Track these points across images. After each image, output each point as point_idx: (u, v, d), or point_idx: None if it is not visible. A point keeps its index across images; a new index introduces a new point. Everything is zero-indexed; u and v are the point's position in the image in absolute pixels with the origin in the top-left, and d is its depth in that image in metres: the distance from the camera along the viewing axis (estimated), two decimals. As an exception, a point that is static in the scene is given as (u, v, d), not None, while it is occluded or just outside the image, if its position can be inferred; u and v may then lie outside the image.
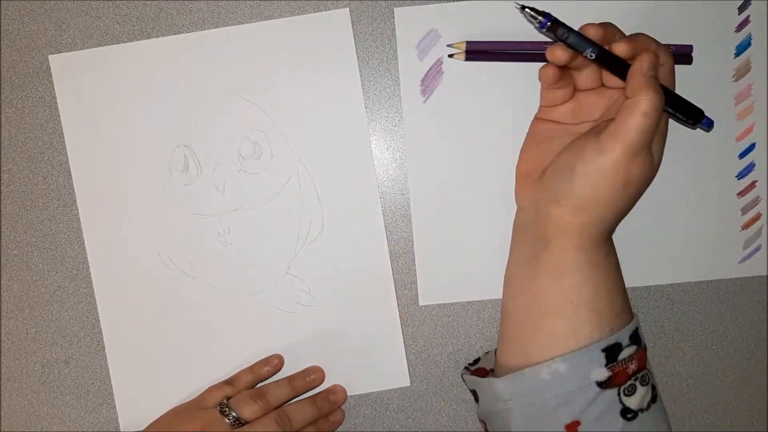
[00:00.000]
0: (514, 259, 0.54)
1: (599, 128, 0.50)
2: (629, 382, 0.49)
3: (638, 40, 0.49)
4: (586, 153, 0.48)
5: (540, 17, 0.48)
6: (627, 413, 0.49)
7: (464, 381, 0.57)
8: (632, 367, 0.49)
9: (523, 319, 0.52)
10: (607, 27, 0.49)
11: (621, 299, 0.51)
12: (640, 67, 0.47)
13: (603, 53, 0.49)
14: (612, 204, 0.49)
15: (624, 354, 0.49)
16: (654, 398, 0.50)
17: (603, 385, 0.48)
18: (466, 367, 0.58)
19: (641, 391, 0.49)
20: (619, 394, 0.49)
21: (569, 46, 0.48)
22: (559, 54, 0.49)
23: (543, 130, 0.55)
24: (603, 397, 0.48)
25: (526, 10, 0.49)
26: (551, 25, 0.48)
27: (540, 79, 0.52)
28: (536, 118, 0.56)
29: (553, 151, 0.52)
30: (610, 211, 0.49)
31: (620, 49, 0.48)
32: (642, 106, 0.46)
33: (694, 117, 0.52)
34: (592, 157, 0.48)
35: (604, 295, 0.50)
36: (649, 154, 0.49)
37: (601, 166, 0.47)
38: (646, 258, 0.60)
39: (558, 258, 0.50)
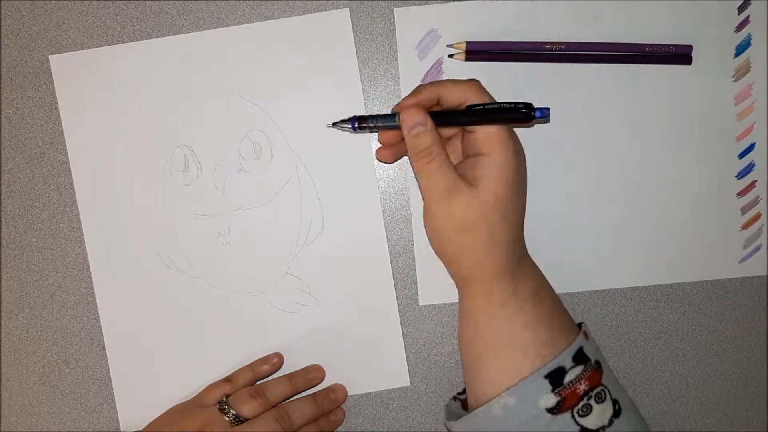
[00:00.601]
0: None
1: None
2: (582, 403, 0.49)
3: (419, 96, 0.52)
4: (423, 217, 0.52)
5: (348, 123, 0.54)
6: None
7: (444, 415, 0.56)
8: (582, 387, 0.49)
9: (469, 361, 0.52)
10: (410, 98, 0.52)
11: (548, 324, 0.50)
12: (404, 133, 0.51)
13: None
14: (466, 250, 0.50)
15: (570, 376, 0.49)
16: (617, 412, 0.49)
17: (554, 410, 0.48)
18: (454, 396, 0.58)
19: (598, 408, 0.49)
20: (573, 416, 0.48)
21: (386, 127, 0.53)
22: (382, 139, 0.54)
23: None
24: (557, 422, 0.48)
25: (337, 125, 0.55)
26: (359, 123, 0.53)
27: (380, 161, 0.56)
28: None
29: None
30: (475, 256, 0.50)
31: (399, 107, 0.52)
32: (415, 166, 0.50)
33: (517, 115, 0.49)
34: (424, 220, 0.51)
35: (521, 327, 0.50)
36: (463, 193, 0.49)
37: (432, 226, 0.51)
38: (646, 258, 0.60)
39: (467, 305, 0.52)
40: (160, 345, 0.60)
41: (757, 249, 0.60)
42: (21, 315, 0.60)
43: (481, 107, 0.50)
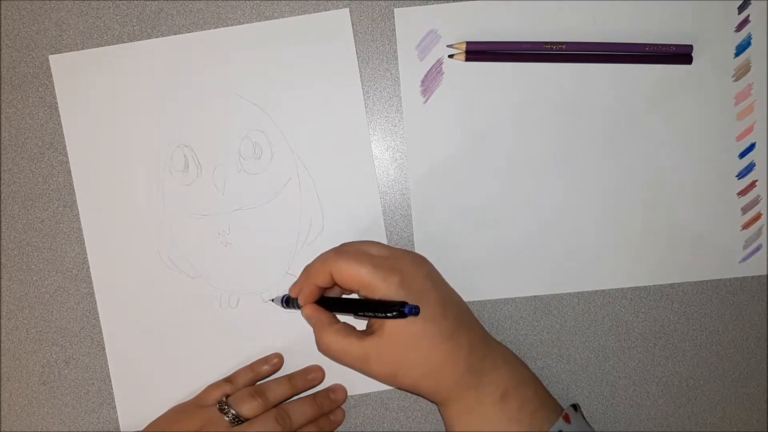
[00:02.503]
0: None
1: None
2: None
3: (303, 290, 0.55)
4: None
5: (279, 302, 0.59)
6: None
7: None
8: None
9: None
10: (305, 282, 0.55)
11: (518, 425, 0.51)
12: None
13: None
14: (411, 385, 0.52)
15: None
16: None
17: None
18: None
19: None
20: None
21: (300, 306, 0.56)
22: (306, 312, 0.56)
23: None
24: None
25: (270, 301, 0.60)
26: (285, 301, 0.58)
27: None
28: None
29: None
30: (422, 385, 0.52)
31: (293, 293, 0.56)
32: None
33: (386, 310, 0.51)
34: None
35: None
36: (368, 354, 0.52)
37: (379, 379, 0.53)
38: (646, 258, 0.60)
39: (442, 413, 0.54)
40: (160, 345, 0.60)
41: (758, 249, 0.60)
42: (21, 315, 0.60)
43: (360, 302, 0.52)
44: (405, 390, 0.57)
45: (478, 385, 0.52)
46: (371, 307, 0.50)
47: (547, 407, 0.53)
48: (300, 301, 0.55)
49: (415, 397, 0.60)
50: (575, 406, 0.54)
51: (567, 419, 0.52)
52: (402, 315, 0.48)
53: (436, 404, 0.54)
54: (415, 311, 0.48)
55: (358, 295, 0.53)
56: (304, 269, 0.54)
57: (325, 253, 0.53)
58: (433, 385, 0.52)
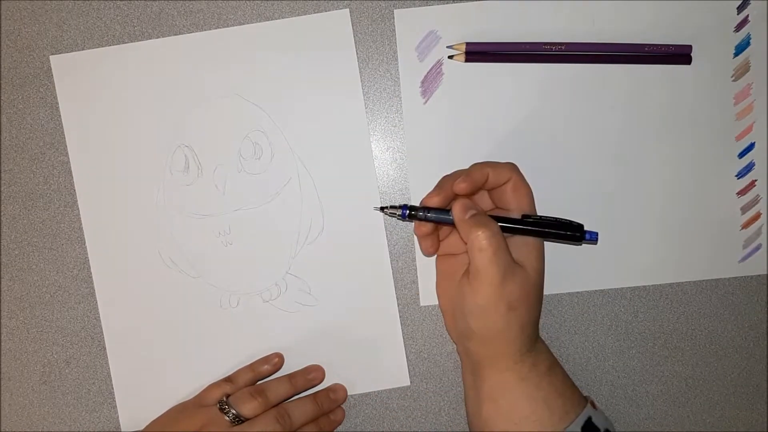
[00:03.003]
0: (466, 387, 0.56)
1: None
2: None
3: (471, 174, 0.53)
4: (466, 296, 0.51)
5: (399, 211, 0.54)
6: None
7: None
8: None
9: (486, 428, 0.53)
10: (461, 181, 0.52)
11: (563, 399, 0.52)
12: (456, 217, 0.51)
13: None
14: (508, 327, 0.51)
15: None
16: None
17: None
18: None
19: None
20: None
21: (431, 220, 0.54)
22: (423, 230, 0.54)
23: (445, 267, 0.57)
24: None
25: (385, 210, 0.55)
26: (410, 213, 0.54)
27: (416, 235, 0.56)
28: (437, 256, 0.58)
29: (459, 284, 0.53)
30: (511, 333, 0.51)
31: (460, 189, 0.52)
32: (475, 244, 0.49)
33: (568, 231, 0.52)
34: (471, 299, 0.51)
35: (541, 404, 0.51)
36: (517, 272, 0.50)
37: (480, 305, 0.50)
38: (646, 258, 0.60)
39: (489, 383, 0.53)
40: (160, 345, 0.60)
41: (757, 248, 0.60)
42: (21, 315, 0.61)
43: (537, 219, 0.53)
44: (478, 334, 0.52)
45: (536, 352, 0.53)
46: (552, 225, 0.52)
47: (577, 389, 0.54)
48: (442, 199, 0.52)
49: (414, 397, 0.60)
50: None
51: (594, 406, 0.53)
52: (579, 239, 0.51)
53: (485, 372, 0.53)
54: (594, 237, 0.51)
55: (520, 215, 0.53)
56: (460, 171, 0.53)
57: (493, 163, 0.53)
58: (518, 338, 0.51)
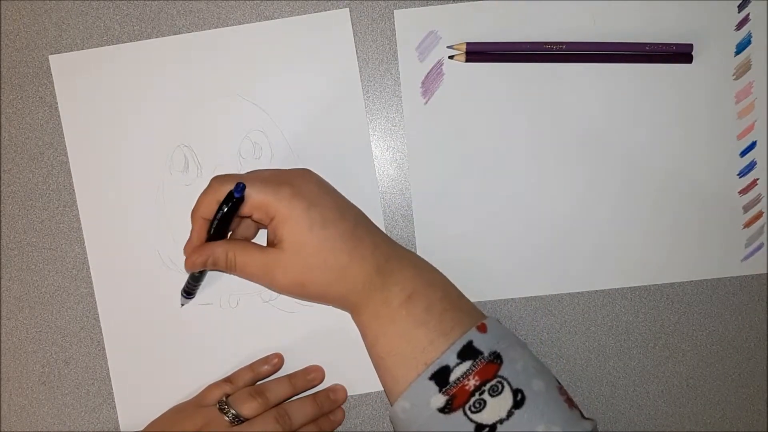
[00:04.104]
0: None
1: None
2: (474, 399, 0.48)
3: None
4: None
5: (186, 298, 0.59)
6: (481, 429, 0.48)
7: None
8: (472, 383, 0.48)
9: (373, 365, 0.54)
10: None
11: (424, 329, 0.50)
12: (195, 266, 0.54)
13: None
14: (322, 293, 0.52)
15: (456, 374, 0.48)
16: (518, 403, 0.48)
17: (445, 410, 0.48)
18: None
19: (493, 402, 0.48)
20: (465, 413, 0.48)
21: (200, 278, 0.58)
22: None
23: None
24: (450, 421, 0.48)
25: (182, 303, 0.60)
26: (186, 296, 0.59)
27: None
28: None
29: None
30: (331, 293, 0.52)
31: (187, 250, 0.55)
32: (220, 261, 0.53)
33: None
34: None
35: (398, 338, 0.51)
36: (272, 260, 0.51)
37: (286, 294, 0.55)
38: (646, 257, 0.60)
39: (356, 323, 0.54)
40: (160, 345, 0.60)
41: (760, 247, 0.60)
42: (21, 315, 0.61)
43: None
44: (316, 301, 0.56)
45: (385, 286, 0.51)
46: (217, 216, 0.51)
47: (459, 311, 0.52)
48: (190, 247, 0.54)
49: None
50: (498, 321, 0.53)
51: (482, 329, 0.50)
52: (237, 199, 0.50)
53: (350, 313, 0.54)
54: (241, 187, 0.49)
55: (252, 219, 0.53)
56: (191, 213, 0.53)
57: (209, 185, 0.53)
58: (342, 289, 0.51)
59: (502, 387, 0.49)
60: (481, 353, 0.49)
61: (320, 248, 0.50)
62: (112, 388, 0.60)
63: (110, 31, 0.60)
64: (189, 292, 0.58)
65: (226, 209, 0.51)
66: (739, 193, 0.60)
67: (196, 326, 0.60)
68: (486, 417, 0.48)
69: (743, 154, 0.60)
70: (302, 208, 0.50)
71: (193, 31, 0.60)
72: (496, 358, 0.49)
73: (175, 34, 0.60)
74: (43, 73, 0.60)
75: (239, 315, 0.60)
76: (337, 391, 0.59)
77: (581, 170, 0.60)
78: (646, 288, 0.60)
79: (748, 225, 0.60)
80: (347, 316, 0.59)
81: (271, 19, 0.59)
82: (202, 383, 0.59)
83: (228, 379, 0.58)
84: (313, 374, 0.59)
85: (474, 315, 0.52)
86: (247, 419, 0.54)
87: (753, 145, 0.59)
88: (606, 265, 0.60)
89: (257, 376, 0.59)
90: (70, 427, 0.61)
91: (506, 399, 0.48)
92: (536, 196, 0.60)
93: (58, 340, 0.61)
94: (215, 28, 0.60)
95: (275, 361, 0.59)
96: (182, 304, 0.60)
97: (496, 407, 0.48)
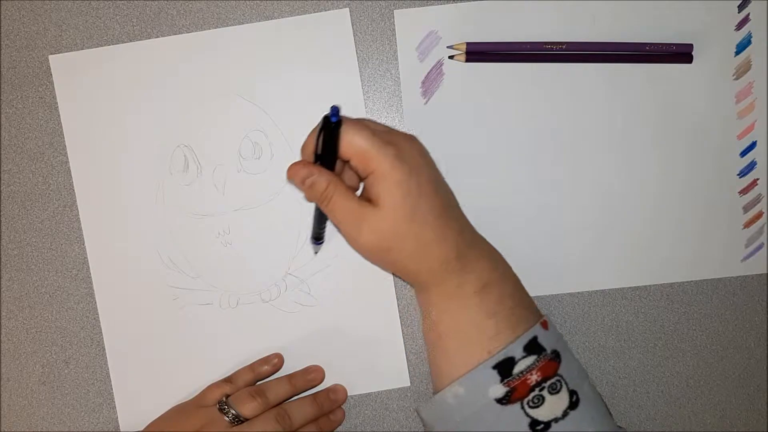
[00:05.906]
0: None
1: None
2: (533, 394, 0.48)
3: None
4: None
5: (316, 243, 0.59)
6: (536, 425, 0.48)
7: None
8: (534, 378, 0.48)
9: (428, 351, 0.53)
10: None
11: (494, 319, 0.50)
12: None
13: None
14: (399, 263, 0.51)
15: (520, 367, 0.48)
16: (574, 404, 0.49)
17: (503, 401, 0.48)
18: None
19: (551, 400, 0.48)
20: (523, 407, 0.48)
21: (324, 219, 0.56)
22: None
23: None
24: (506, 413, 0.48)
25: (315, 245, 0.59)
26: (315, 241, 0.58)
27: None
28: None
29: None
30: (409, 265, 0.51)
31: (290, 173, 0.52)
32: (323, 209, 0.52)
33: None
34: (355, 249, 0.52)
35: (465, 323, 0.50)
36: (366, 215, 0.50)
37: (361, 252, 0.52)
38: (647, 257, 0.60)
39: (420, 299, 0.53)
40: (160, 345, 0.60)
41: (760, 247, 0.60)
42: (21, 315, 0.61)
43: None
44: (388, 268, 0.56)
45: (462, 272, 0.50)
46: (318, 142, 0.50)
47: (526, 308, 0.52)
48: (296, 167, 0.51)
49: (415, 397, 0.60)
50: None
51: (545, 326, 0.51)
52: (334, 124, 0.48)
53: (416, 288, 0.53)
54: (336, 110, 0.48)
55: (351, 166, 0.51)
56: (301, 149, 0.52)
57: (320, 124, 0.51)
58: (419, 265, 0.51)
59: (561, 386, 0.49)
60: (545, 350, 0.50)
61: (412, 218, 0.49)
62: (112, 388, 0.60)
63: (110, 31, 0.60)
64: (318, 237, 0.57)
65: (324, 133, 0.49)
66: (739, 193, 0.60)
67: (196, 326, 0.60)
68: (543, 414, 0.48)
69: (743, 154, 0.60)
70: (403, 172, 0.49)
71: (193, 31, 0.60)
72: (557, 357, 0.50)
73: (175, 34, 0.60)
74: (43, 73, 0.60)
75: (239, 315, 0.60)
76: (337, 391, 0.59)
77: (581, 170, 0.60)
78: (646, 288, 0.60)
79: (748, 225, 0.60)
80: (347, 316, 0.59)
81: (271, 19, 0.59)
82: (202, 383, 0.59)
83: (228, 379, 0.58)
84: (313, 374, 0.59)
85: (536, 312, 0.53)
86: (247, 419, 0.54)
87: (753, 145, 0.59)
88: (606, 265, 0.60)
89: (257, 376, 0.59)
90: (70, 427, 0.61)
91: (563, 398, 0.49)
92: (536, 196, 0.60)
93: (58, 340, 0.61)
94: (215, 28, 0.60)
95: (275, 361, 0.59)
96: (315, 252, 0.59)
97: (553, 405, 0.48)
